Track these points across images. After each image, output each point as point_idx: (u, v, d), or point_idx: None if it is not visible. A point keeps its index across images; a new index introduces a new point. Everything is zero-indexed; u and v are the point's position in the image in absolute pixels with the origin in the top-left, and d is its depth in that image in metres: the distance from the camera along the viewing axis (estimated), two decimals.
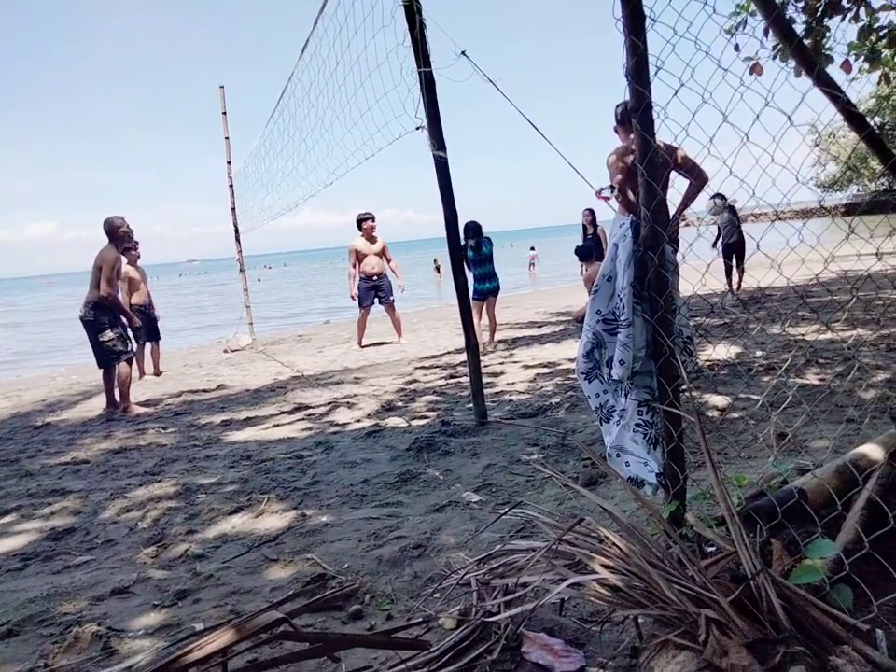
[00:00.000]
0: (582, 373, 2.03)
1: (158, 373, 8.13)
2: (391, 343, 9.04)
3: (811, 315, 7.18)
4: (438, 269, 26.60)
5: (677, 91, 1.73)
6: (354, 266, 8.65)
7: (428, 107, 3.90)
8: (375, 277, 8.63)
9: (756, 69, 4.54)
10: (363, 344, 9.05)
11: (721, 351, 5.68)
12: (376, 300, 8.71)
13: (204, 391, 6.57)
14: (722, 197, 8.80)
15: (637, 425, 1.94)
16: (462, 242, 7.33)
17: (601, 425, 2.07)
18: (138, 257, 7.75)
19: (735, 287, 9.93)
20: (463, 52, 3.42)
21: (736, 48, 4.27)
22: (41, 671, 1.83)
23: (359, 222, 8.51)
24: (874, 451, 2.06)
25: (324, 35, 4.80)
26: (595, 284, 1.95)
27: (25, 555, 2.72)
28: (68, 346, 14.53)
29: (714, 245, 9.56)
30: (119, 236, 5.78)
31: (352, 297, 8.75)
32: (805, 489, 1.87)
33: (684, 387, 1.83)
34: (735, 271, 9.94)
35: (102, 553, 2.69)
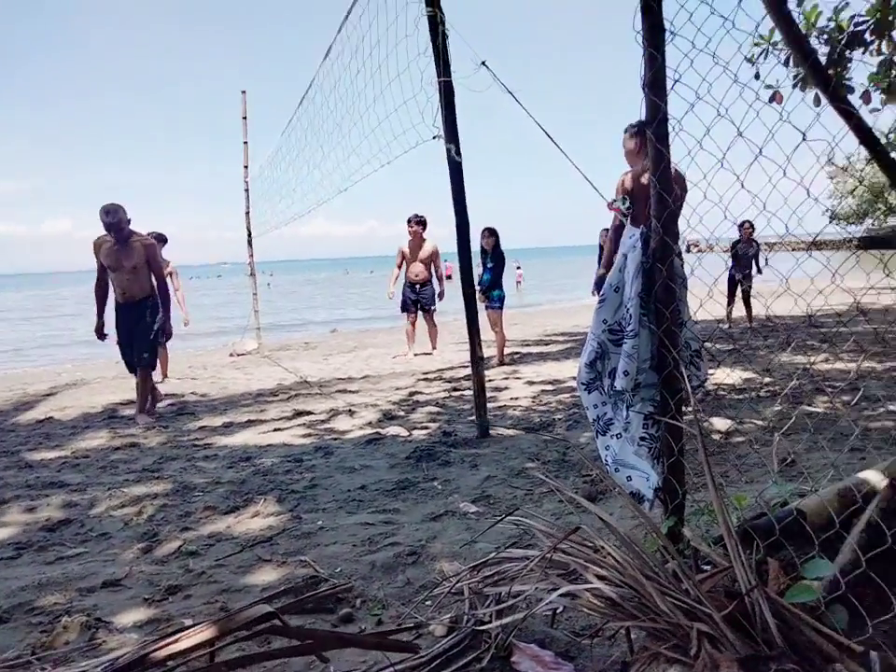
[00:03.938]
0: (583, 384, 2.03)
1: (164, 376, 8.12)
2: (426, 353, 8.81)
3: (820, 345, 7.14)
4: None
5: (692, 106, 1.74)
6: (399, 267, 8.51)
7: (446, 111, 3.87)
8: (418, 286, 8.48)
9: (777, 98, 4.55)
10: (407, 355, 8.72)
11: (727, 375, 5.65)
12: (418, 307, 8.56)
13: (207, 394, 6.57)
14: (752, 225, 8.45)
15: (643, 438, 1.93)
16: (485, 249, 7.26)
17: (596, 437, 2.06)
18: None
19: (746, 320, 9.50)
20: (483, 63, 3.44)
21: (757, 76, 4.29)
22: (27, 658, 1.82)
23: (408, 223, 8.35)
24: (875, 477, 2.04)
25: (347, 43, 4.85)
26: (601, 293, 1.95)
27: (19, 545, 2.71)
28: (71, 342, 14.62)
29: (731, 277, 8.87)
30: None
31: (388, 295, 8.67)
32: (804, 510, 1.85)
33: (689, 403, 1.82)
34: (739, 304, 9.49)
35: (95, 545, 2.68)
